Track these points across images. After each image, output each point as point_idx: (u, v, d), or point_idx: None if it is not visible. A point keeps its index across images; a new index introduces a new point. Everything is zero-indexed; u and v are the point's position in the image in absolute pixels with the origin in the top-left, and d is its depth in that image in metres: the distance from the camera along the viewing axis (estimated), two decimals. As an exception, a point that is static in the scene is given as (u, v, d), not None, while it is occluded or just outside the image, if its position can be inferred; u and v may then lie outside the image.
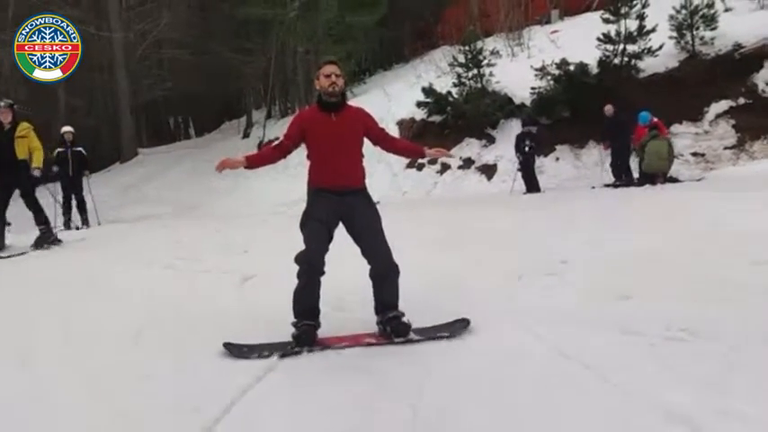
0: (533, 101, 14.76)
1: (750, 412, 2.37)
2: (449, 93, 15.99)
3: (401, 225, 5.47)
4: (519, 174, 12.63)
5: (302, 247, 3.49)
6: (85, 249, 7.16)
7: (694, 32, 14.41)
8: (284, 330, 3.57)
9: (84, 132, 27.94)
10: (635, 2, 14.50)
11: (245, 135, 27.65)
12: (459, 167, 15.28)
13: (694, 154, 13.79)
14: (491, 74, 15.78)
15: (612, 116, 12.02)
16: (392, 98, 19.38)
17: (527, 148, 12.04)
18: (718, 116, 14.01)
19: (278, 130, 24.21)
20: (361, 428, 2.38)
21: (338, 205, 3.55)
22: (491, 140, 15.30)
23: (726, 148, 13.68)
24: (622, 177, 11.33)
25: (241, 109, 30.40)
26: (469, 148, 15.38)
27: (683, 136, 14.03)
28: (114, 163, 28.23)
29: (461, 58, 16.05)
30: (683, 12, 14.41)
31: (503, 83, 15.82)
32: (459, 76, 16.07)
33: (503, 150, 14.73)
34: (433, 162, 15.62)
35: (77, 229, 11.52)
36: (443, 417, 2.49)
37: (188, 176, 23.54)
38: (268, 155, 3.77)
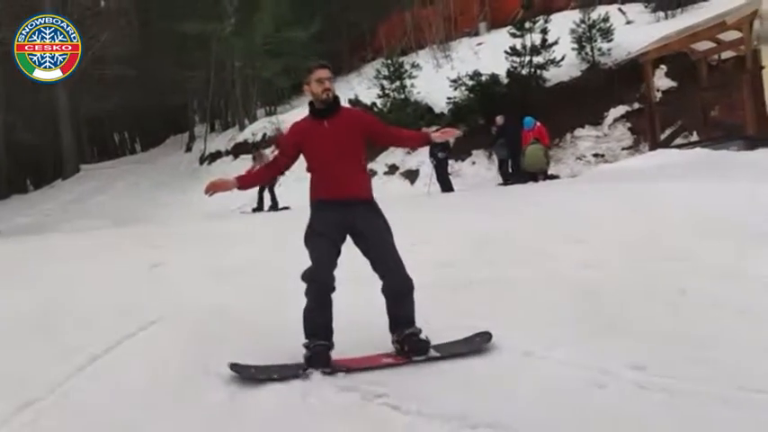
0: (450, 110, 15.93)
1: (481, 325, 3.37)
2: (374, 104, 17.05)
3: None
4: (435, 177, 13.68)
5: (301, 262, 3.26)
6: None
7: (593, 44, 15.81)
8: (177, 297, 4.44)
9: (25, 149, 28.06)
10: (538, 18, 15.84)
11: (188, 149, 28.19)
12: (385, 173, 16.33)
13: (595, 155, 15.16)
14: (412, 85, 16.90)
15: (503, 125, 13.23)
16: (325, 109, 20.28)
17: (439, 154, 13.12)
18: (616, 120, 15.44)
19: (219, 143, 24.93)
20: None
21: (343, 217, 3.27)
22: (413, 147, 16.37)
23: (623, 148, 15.09)
24: (511, 177, 12.58)
25: (186, 123, 30.84)
26: (394, 155, 16.43)
27: (586, 139, 15.41)
28: (56, 179, 28.38)
29: (385, 72, 17.14)
30: (583, 26, 15.81)
31: (423, 93, 16.96)
32: (383, 87, 17.15)
33: (424, 156, 15.77)
34: (361, 169, 16.62)
35: None
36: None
37: (130, 191, 23.95)
38: (261, 174, 3.61)
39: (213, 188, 3.42)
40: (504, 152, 13.11)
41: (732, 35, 10.44)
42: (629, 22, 18.24)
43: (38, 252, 6.92)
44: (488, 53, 19.34)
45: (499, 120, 13.21)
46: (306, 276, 3.22)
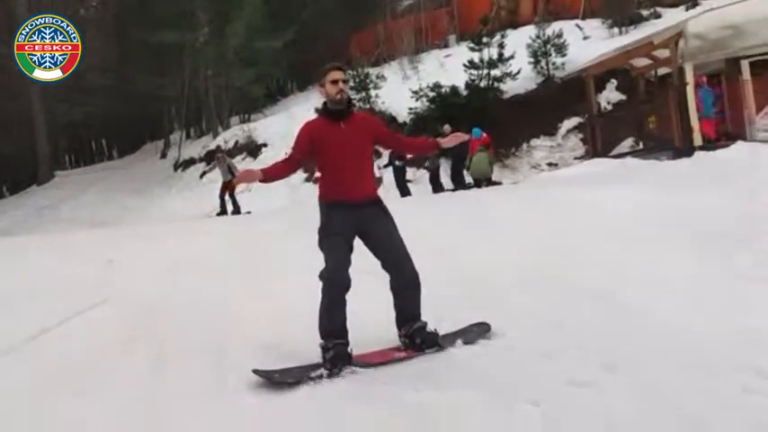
0: (411, 119, 16.62)
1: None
2: (339, 113, 17.68)
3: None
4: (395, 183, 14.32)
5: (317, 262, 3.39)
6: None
7: (548, 59, 16.61)
8: (123, 284, 5.00)
9: (1, 157, 28.30)
10: (495, 33, 16.64)
11: (163, 156, 28.64)
12: (351, 180, 16.93)
13: (549, 164, 15.91)
14: (377, 96, 17.58)
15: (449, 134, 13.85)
16: (295, 118, 20.89)
17: (396, 162, 13.80)
18: (569, 131, 16.22)
19: (193, 150, 25.42)
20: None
21: (354, 218, 3.41)
22: (377, 155, 17.00)
23: (575, 158, 15.84)
24: (459, 183, 13.24)
25: (161, 130, 31.27)
26: (359, 162, 17.06)
27: (540, 148, 16.17)
28: (32, 185, 28.63)
29: (351, 83, 17.78)
30: (538, 41, 16.62)
31: (388, 103, 17.64)
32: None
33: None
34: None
35: None
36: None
37: (104, 197, 24.32)
38: (280, 169, 3.56)
39: (241, 180, 3.69)
40: (437, 162, 13.66)
41: (665, 53, 11.22)
42: (586, 38, 19.07)
43: (6, 249, 7.44)
44: (454, 65, 20.03)
45: (447, 129, 13.85)
46: (323, 276, 3.33)
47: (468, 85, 16.46)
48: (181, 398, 3.02)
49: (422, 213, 7.47)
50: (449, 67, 20.48)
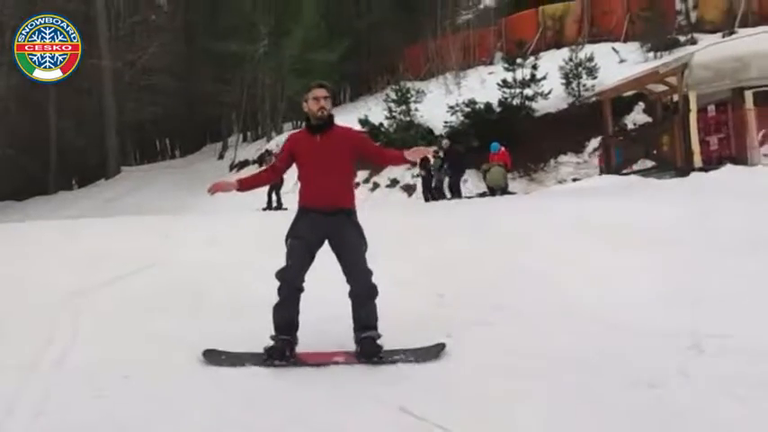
0: (447, 132, 17.83)
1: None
2: (381, 124, 19.04)
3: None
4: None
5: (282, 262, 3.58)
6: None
7: (579, 81, 17.55)
8: (173, 253, 6.39)
9: (73, 150, 30.76)
10: (536, 54, 17.71)
11: (221, 157, 30.61)
12: (387, 186, 18.28)
13: (574, 179, 16.80)
14: (416, 109, 18.86)
15: (448, 148, 14.63)
16: (343, 127, 22.32)
17: (422, 172, 15.01)
18: (596, 149, 17.07)
19: (248, 153, 27.22)
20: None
21: (323, 224, 3.59)
22: (413, 164, 18.25)
23: (600, 174, 16.70)
24: (455, 194, 14.28)
25: (220, 133, 33.28)
26: (395, 170, 18.36)
27: (567, 164, 17.12)
28: (100, 179, 30.98)
29: (393, 96, 19.15)
30: (570, 63, 17.58)
31: (427, 117, 18.90)
32: (390, 110, 19.17)
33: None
34: (366, 182, 18.63)
35: None
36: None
37: (165, 193, 26.31)
38: (260, 177, 3.92)
39: (215, 189, 3.86)
40: (441, 175, 14.52)
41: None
42: (621, 61, 19.87)
43: (82, 227, 9.04)
44: (495, 82, 21.09)
45: (446, 143, 14.70)
46: (278, 275, 3.55)
47: (501, 103, 17.55)
48: (205, 321, 4.34)
49: (422, 213, 8.64)
50: (489, 84, 21.52)
